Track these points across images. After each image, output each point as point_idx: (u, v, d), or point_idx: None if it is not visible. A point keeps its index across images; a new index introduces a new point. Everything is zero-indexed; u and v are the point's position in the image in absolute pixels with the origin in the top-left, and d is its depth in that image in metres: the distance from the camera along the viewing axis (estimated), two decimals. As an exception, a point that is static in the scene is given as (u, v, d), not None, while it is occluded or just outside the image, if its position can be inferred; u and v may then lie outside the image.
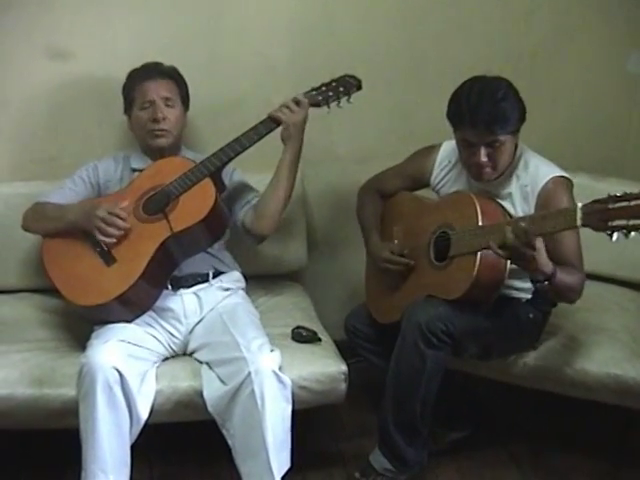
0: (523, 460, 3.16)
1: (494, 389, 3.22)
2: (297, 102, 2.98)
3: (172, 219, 2.85)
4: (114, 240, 2.84)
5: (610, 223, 2.32)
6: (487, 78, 2.77)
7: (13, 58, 3.23)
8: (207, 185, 2.90)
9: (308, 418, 2.91)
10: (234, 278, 3.13)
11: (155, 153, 3.09)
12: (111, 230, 2.83)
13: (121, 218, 2.85)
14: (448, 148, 2.97)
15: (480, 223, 2.71)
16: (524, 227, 2.52)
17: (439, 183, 3.01)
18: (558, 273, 2.62)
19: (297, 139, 2.99)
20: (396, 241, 3.04)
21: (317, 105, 3.04)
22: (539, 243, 2.54)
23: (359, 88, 3.07)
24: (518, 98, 2.75)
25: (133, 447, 2.72)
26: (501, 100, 2.69)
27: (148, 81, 3.05)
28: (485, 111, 2.67)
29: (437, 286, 2.83)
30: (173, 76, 3.11)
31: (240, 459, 2.72)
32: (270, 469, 2.67)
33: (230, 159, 2.97)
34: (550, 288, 2.64)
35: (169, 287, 2.98)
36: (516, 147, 2.83)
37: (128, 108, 3.11)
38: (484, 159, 2.74)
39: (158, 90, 3.04)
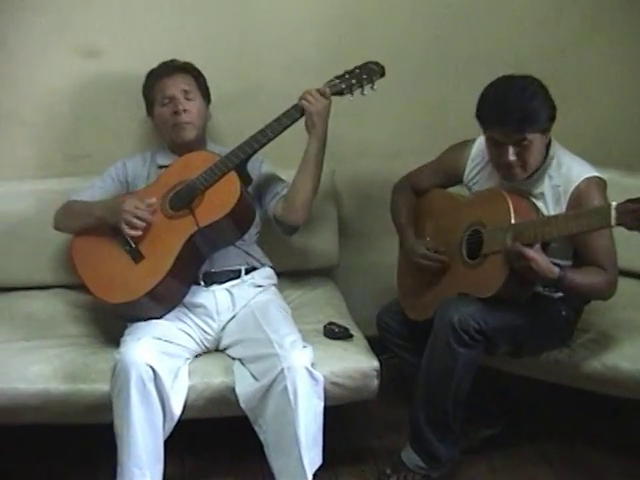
0: (555, 458, 3.14)
1: (526, 386, 3.21)
2: (318, 91, 2.97)
3: (198, 214, 2.86)
4: (140, 233, 2.85)
5: (644, 222, 2.32)
6: (516, 77, 2.75)
7: (46, 56, 3.25)
8: (232, 178, 2.90)
9: (339, 414, 2.90)
10: (266, 274, 3.13)
11: (181, 148, 3.10)
12: (138, 222, 2.85)
13: (147, 210, 2.87)
14: (482, 144, 2.93)
15: (512, 221, 2.69)
16: (507, 242, 2.58)
17: (472, 180, 2.99)
18: (569, 277, 2.62)
19: (321, 128, 2.97)
20: (428, 238, 3.03)
21: (340, 93, 3.01)
22: (533, 253, 2.55)
23: (382, 75, 3.02)
24: (547, 97, 2.72)
25: (165, 442, 2.73)
26: (529, 98, 2.67)
27: (165, 78, 3.08)
28: (513, 109, 2.65)
29: (470, 284, 2.82)
30: (189, 70, 3.13)
31: (272, 455, 2.73)
32: (302, 465, 2.67)
33: (255, 151, 2.96)
34: (564, 292, 2.63)
35: (202, 283, 2.99)
36: (548, 146, 2.81)
37: (150, 108, 3.14)
38: (512, 158, 2.72)
39: (176, 84, 3.06)
